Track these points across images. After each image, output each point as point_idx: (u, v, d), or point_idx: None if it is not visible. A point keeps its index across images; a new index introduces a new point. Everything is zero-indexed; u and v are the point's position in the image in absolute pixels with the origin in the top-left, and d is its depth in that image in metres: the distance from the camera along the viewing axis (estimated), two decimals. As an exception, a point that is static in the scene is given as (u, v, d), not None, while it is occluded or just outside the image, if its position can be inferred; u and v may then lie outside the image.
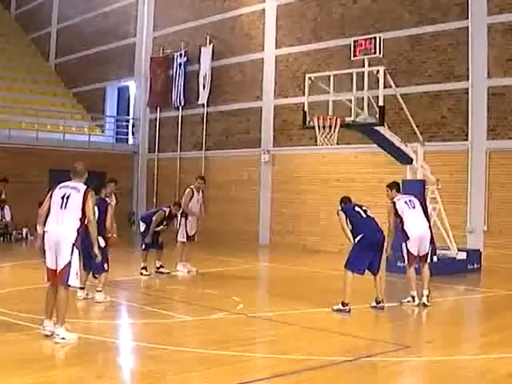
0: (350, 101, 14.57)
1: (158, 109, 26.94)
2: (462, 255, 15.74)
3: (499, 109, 17.41)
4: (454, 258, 15.56)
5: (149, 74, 27.26)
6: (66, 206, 7.83)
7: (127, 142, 28.79)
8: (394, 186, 11.38)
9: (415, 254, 10.87)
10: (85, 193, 7.93)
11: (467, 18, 17.97)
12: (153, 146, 27.05)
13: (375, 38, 14.48)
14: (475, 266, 15.97)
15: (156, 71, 26.97)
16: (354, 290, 10.15)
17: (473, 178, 17.62)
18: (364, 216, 10.29)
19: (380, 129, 14.59)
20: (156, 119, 26.98)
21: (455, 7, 18.29)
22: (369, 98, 14.34)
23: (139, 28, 28.05)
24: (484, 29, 17.70)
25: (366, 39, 14.69)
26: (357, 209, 10.37)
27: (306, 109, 15.15)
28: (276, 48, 22.45)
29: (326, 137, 14.56)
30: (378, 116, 14.13)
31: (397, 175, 16.48)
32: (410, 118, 15.53)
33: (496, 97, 17.48)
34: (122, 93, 30.24)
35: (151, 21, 27.56)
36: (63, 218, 7.81)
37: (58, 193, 7.95)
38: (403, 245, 10.87)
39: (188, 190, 14.20)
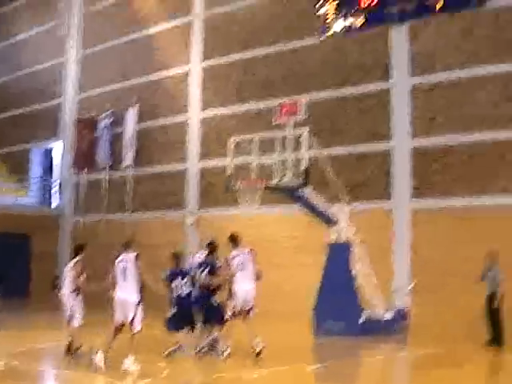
0: (275, 163, 14.56)
1: (84, 171, 26.60)
2: (389, 314, 15.74)
3: (422, 168, 17.69)
4: (381, 318, 15.54)
5: (75, 136, 26.94)
6: (125, 277, 10.28)
7: (52, 204, 28.26)
8: (230, 239, 11.71)
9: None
10: (135, 258, 10.38)
11: (390, 78, 18.40)
12: (78, 208, 26.61)
13: (299, 100, 14.61)
14: (402, 324, 15.97)
15: (82, 133, 26.66)
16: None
17: (398, 238, 17.78)
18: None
19: (304, 191, 14.62)
20: (82, 181, 26.60)
21: (378, 68, 18.69)
22: (293, 160, 14.36)
23: (65, 89, 27.84)
24: (407, 89, 18.13)
25: (289, 101, 14.79)
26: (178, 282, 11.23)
27: (229, 172, 15.11)
28: (201, 110, 22.55)
29: (250, 200, 14.54)
30: (302, 178, 14.15)
31: (322, 236, 16.56)
32: (334, 178, 15.62)
33: (419, 156, 17.78)
34: (48, 154, 29.75)
35: (77, 82, 27.39)
36: (126, 286, 10.27)
37: (117, 266, 10.39)
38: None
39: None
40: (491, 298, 13.45)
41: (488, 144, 16.81)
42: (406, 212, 17.76)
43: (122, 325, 10.37)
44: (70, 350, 11.23)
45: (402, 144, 17.94)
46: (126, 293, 10.29)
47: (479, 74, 17.12)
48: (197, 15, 23.22)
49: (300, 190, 14.64)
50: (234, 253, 11.49)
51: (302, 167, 14.17)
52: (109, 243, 24.24)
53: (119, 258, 10.54)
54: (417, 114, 17.87)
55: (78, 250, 12.01)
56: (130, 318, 10.24)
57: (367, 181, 18.47)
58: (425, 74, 17.91)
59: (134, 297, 10.31)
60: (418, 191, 17.70)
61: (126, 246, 10.64)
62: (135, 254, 10.51)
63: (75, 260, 11.69)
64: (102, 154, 25.63)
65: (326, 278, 15.27)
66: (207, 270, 11.66)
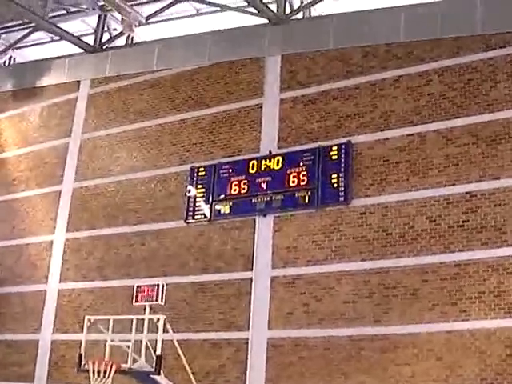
0: (128, 346, 14.47)
1: None
2: None
3: (278, 360, 17.64)
4: None
5: None
6: None
7: None
8: None
9: None
10: None
11: (251, 269, 18.66)
12: None
13: (158, 285, 14.70)
14: None
15: None
16: None
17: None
18: None
19: (156, 377, 14.36)
20: None
21: (241, 257, 18.96)
22: (147, 344, 14.29)
23: None
24: (267, 281, 18.36)
25: (148, 286, 14.87)
26: None
27: (82, 350, 14.91)
28: (60, 282, 22.00)
29: (100, 382, 14.31)
30: (155, 364, 14.04)
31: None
32: (186, 365, 15.42)
33: (275, 348, 17.77)
34: None
35: None
36: None
37: None
38: None
39: None
40: None
41: (344, 339, 17.02)
42: (259, 404, 17.55)
43: None
44: None
45: (258, 335, 17.95)
46: None
47: (341, 269, 17.57)
48: (66, 185, 23.21)
49: (152, 376, 14.35)
50: None
51: (156, 353, 14.08)
52: None
53: None
54: (275, 306, 18.03)
55: None
56: None
57: (221, 369, 18.25)
58: (286, 267, 18.26)
59: None
60: (273, 383, 17.56)
61: None
62: None
63: None
64: None
65: None
66: None
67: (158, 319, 14.15)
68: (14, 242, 23.86)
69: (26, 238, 23.58)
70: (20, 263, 23.43)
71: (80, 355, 14.94)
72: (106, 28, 25.04)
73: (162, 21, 24.00)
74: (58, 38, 25.41)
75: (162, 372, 14.37)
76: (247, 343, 18.05)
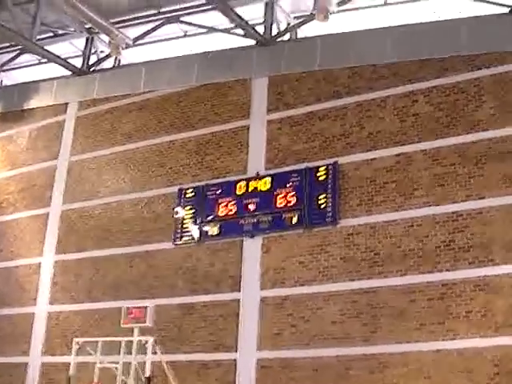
0: (116, 367, 14.52)
1: None
2: None
3: (266, 381, 17.62)
4: None
5: None
6: None
7: None
8: None
9: None
10: None
11: (240, 290, 18.66)
12: None
13: (146, 306, 14.73)
14: None
15: None
16: None
17: None
18: None
19: (146, 399, 14.41)
20: None
21: (229, 278, 18.96)
22: (136, 365, 14.33)
23: None
24: (255, 302, 18.36)
25: (137, 307, 14.90)
26: None
27: (71, 373, 14.96)
28: (48, 304, 21.91)
29: None
30: (144, 386, 14.07)
31: None
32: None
33: (264, 369, 17.76)
34: None
35: None
36: None
37: None
38: None
39: None
40: None
41: (332, 359, 17.02)
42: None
43: None
44: None
45: (247, 356, 17.94)
46: None
47: (329, 290, 17.59)
48: (54, 208, 23.18)
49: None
50: None
51: (145, 375, 14.19)
52: None
53: None
54: (264, 327, 18.03)
55: None
56: None
57: (209, 390, 18.29)
58: (274, 288, 18.28)
59: None
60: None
61: None
62: None
63: None
64: None
65: None
66: None
67: (147, 341, 14.17)
68: (3, 265, 23.75)
69: (15, 260, 23.48)
70: (8, 286, 23.30)
71: (69, 378, 15.00)
72: (93, 50, 25.11)
73: (149, 43, 24.08)
74: (45, 60, 25.42)
75: (150, 394, 14.37)
76: (236, 364, 18.04)
